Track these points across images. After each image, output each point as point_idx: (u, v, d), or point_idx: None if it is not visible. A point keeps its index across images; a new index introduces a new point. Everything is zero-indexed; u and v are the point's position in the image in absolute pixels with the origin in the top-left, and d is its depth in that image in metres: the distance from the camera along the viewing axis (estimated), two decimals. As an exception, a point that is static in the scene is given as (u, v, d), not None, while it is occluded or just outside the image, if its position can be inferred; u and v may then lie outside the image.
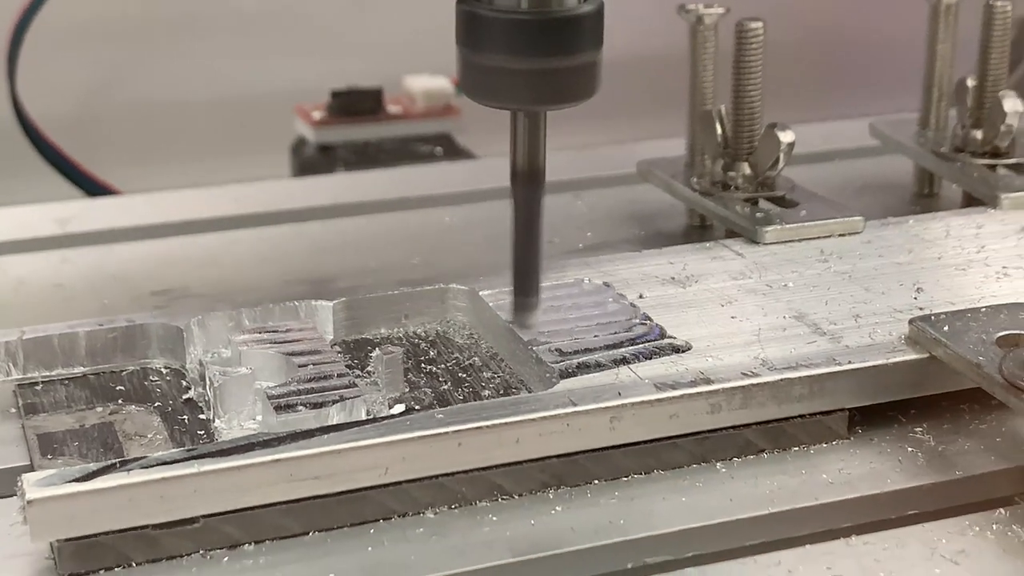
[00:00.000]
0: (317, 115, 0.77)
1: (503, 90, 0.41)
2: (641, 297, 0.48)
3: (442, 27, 0.92)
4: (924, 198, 0.62)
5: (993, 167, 0.58)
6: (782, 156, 0.54)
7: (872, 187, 0.63)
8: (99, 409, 0.44)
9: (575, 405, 0.41)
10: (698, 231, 0.59)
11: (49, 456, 0.41)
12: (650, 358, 0.44)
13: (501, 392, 0.45)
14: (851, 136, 0.67)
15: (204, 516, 0.38)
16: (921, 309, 0.46)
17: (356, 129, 0.76)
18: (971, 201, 0.58)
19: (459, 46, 0.41)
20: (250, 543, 0.39)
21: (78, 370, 0.46)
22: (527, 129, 0.42)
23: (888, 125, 0.63)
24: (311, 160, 0.76)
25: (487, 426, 0.40)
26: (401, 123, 0.77)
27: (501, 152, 0.75)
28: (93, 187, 0.71)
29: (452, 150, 0.76)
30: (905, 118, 0.63)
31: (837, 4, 0.94)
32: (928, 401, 0.45)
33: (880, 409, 0.44)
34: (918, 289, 0.48)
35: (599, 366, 0.43)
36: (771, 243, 0.52)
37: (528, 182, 0.43)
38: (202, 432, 0.43)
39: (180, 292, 0.53)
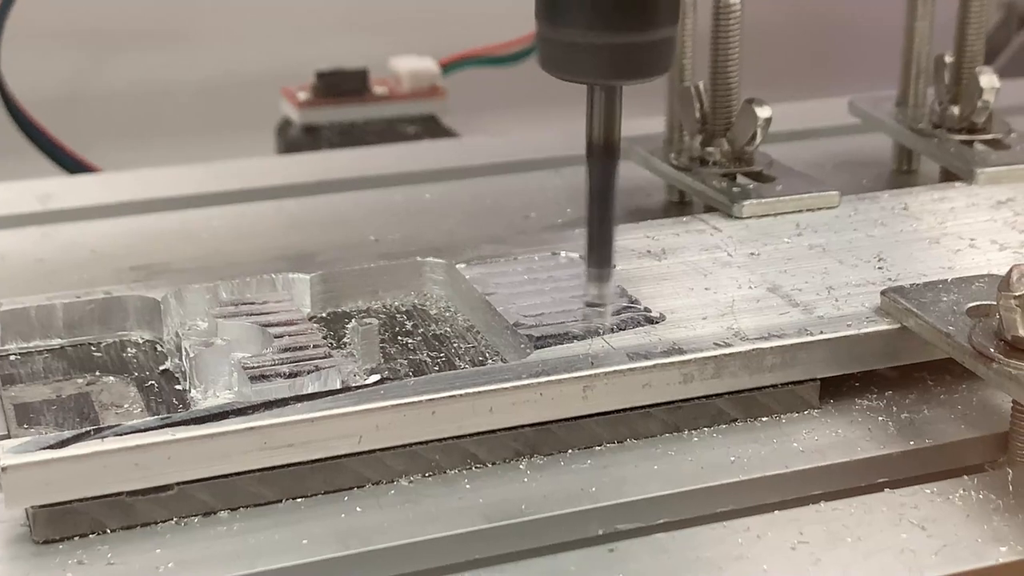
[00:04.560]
0: (302, 96, 0.77)
1: (580, 65, 0.41)
2: (615, 268, 0.48)
3: (428, 8, 0.92)
4: (903, 174, 0.63)
5: (970, 143, 0.59)
6: (759, 131, 0.55)
7: (851, 164, 0.64)
8: (76, 380, 0.44)
9: (548, 374, 0.41)
10: (677, 207, 0.59)
11: (26, 426, 0.42)
12: (624, 329, 0.44)
13: (476, 363, 0.45)
14: (831, 114, 0.67)
15: (178, 483, 0.38)
16: (893, 281, 0.47)
17: (341, 110, 0.77)
18: (949, 177, 0.59)
19: (537, 21, 0.42)
20: (224, 510, 0.39)
21: (55, 342, 0.46)
22: (603, 103, 0.42)
23: (867, 102, 0.63)
24: (296, 141, 0.76)
25: (461, 395, 0.40)
26: (387, 104, 0.78)
27: (482, 131, 0.75)
28: (78, 168, 0.71)
29: (437, 131, 0.77)
30: (884, 95, 0.63)
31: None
32: (899, 371, 0.45)
33: (852, 379, 0.45)
34: (890, 262, 0.49)
35: (573, 337, 0.43)
36: (747, 217, 0.53)
37: (604, 156, 0.43)
38: (178, 402, 0.43)
39: (160, 267, 0.53)
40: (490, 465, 0.41)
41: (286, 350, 0.43)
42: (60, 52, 0.83)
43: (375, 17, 0.88)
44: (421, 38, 0.84)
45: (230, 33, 0.86)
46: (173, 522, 0.38)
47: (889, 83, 0.63)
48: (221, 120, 0.85)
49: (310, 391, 0.41)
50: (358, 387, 0.41)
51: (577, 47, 0.41)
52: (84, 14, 0.83)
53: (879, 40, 0.78)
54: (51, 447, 0.37)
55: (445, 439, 0.41)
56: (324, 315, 0.48)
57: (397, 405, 0.40)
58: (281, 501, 0.39)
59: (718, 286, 0.47)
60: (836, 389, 0.44)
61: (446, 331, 0.47)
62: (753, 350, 0.43)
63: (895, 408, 0.44)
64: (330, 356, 0.43)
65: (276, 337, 0.44)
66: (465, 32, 0.82)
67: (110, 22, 0.84)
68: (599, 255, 0.44)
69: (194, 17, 0.85)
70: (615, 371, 0.42)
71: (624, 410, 0.42)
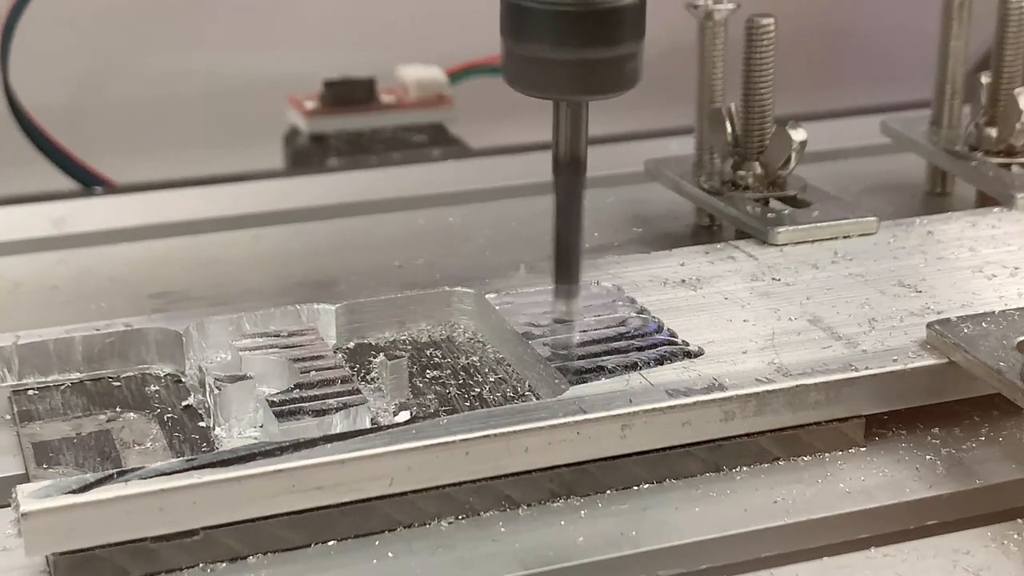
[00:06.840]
0: (310, 105, 0.76)
1: (546, 81, 0.41)
2: (651, 300, 0.47)
3: (435, 17, 0.91)
4: (937, 197, 0.61)
5: (1008, 166, 0.57)
6: (794, 155, 0.53)
7: (884, 186, 0.62)
8: (96, 416, 0.43)
9: (585, 413, 0.40)
10: (707, 231, 0.58)
11: (45, 466, 0.40)
12: (661, 363, 0.43)
13: (509, 399, 0.43)
14: (861, 134, 0.66)
15: (204, 528, 0.37)
16: (936, 312, 0.45)
17: (349, 119, 0.76)
18: (985, 200, 0.57)
19: (503, 37, 0.42)
20: (252, 555, 0.38)
21: (74, 376, 0.44)
22: (569, 119, 0.42)
23: (900, 123, 0.62)
24: (304, 150, 0.75)
25: (495, 434, 0.39)
26: (394, 113, 0.77)
27: (494, 142, 0.74)
28: (86, 177, 0.70)
29: (444, 140, 0.76)
30: (917, 115, 0.61)
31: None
32: (947, 407, 0.44)
33: (897, 415, 0.43)
34: (933, 292, 0.47)
35: (609, 372, 0.42)
36: (783, 244, 0.51)
37: (570, 171, 0.43)
38: (201, 440, 0.42)
39: (178, 295, 0.52)
40: (526, 507, 0.40)
41: (313, 386, 0.42)
42: (67, 61, 0.82)
43: (382, 26, 0.87)
44: (428, 47, 0.83)
45: (237, 42, 0.85)
46: (199, 568, 0.37)
47: (895, 91, 0.62)
48: (228, 128, 0.84)
49: (339, 430, 0.40)
50: (389, 426, 0.39)
51: (542, 63, 0.41)
52: (90, 23, 0.82)
53: (909, 50, 0.77)
54: (73, 492, 0.36)
55: (479, 480, 0.39)
56: (350, 346, 0.47)
57: (429, 446, 0.38)
58: (310, 545, 0.38)
59: (757, 318, 0.46)
60: (880, 425, 0.43)
61: (476, 364, 0.46)
62: (797, 386, 0.41)
63: (942, 446, 0.43)
64: (359, 392, 0.42)
65: (303, 372, 0.42)
66: (472, 41, 0.81)
67: (116, 31, 0.83)
68: (567, 271, 0.44)
69: (202, 26, 0.84)
70: (654, 409, 0.40)
71: (663, 449, 0.41)
